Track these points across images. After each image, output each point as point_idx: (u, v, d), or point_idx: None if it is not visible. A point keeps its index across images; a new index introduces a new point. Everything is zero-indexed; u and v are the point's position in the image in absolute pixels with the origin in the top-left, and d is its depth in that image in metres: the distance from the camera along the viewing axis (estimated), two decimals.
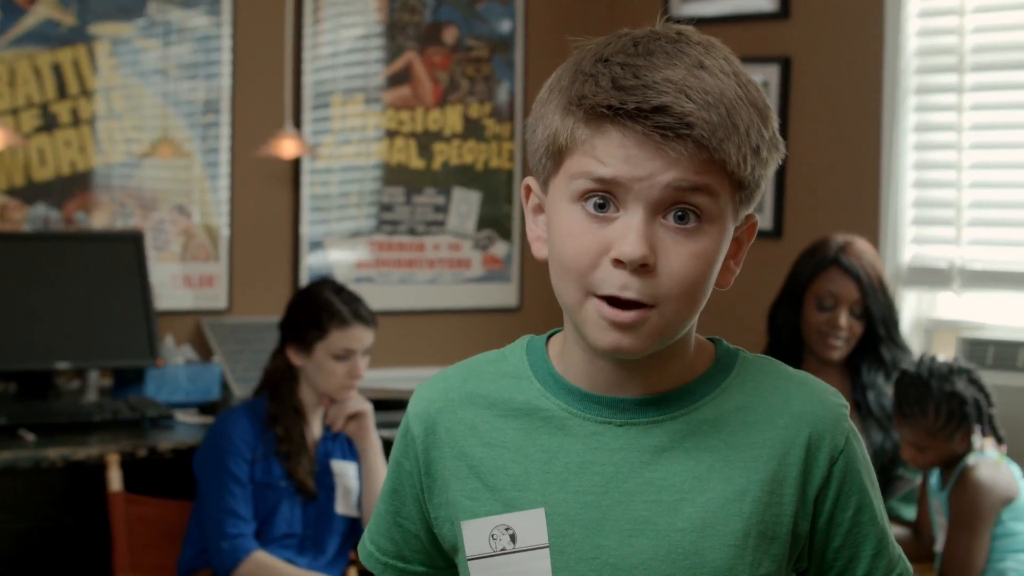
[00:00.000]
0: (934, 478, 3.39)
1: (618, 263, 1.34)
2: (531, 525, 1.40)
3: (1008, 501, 3.30)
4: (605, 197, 1.35)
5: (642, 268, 1.33)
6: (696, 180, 1.34)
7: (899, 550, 1.47)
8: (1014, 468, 3.38)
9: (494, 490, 1.42)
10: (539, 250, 1.44)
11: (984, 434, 3.33)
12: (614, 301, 1.35)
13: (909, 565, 1.47)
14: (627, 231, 1.34)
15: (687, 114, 1.32)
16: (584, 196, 1.36)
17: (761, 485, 1.39)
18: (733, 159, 1.34)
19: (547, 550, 1.39)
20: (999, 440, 3.38)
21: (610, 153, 1.34)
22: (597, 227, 1.35)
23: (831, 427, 1.42)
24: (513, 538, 1.41)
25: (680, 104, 1.32)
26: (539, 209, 1.45)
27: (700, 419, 1.41)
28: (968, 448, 3.31)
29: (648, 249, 1.33)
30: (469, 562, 1.43)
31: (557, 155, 1.38)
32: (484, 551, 1.42)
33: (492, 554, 1.41)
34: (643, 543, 1.38)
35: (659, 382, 1.42)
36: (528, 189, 1.46)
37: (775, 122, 1.40)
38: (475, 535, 1.42)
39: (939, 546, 3.33)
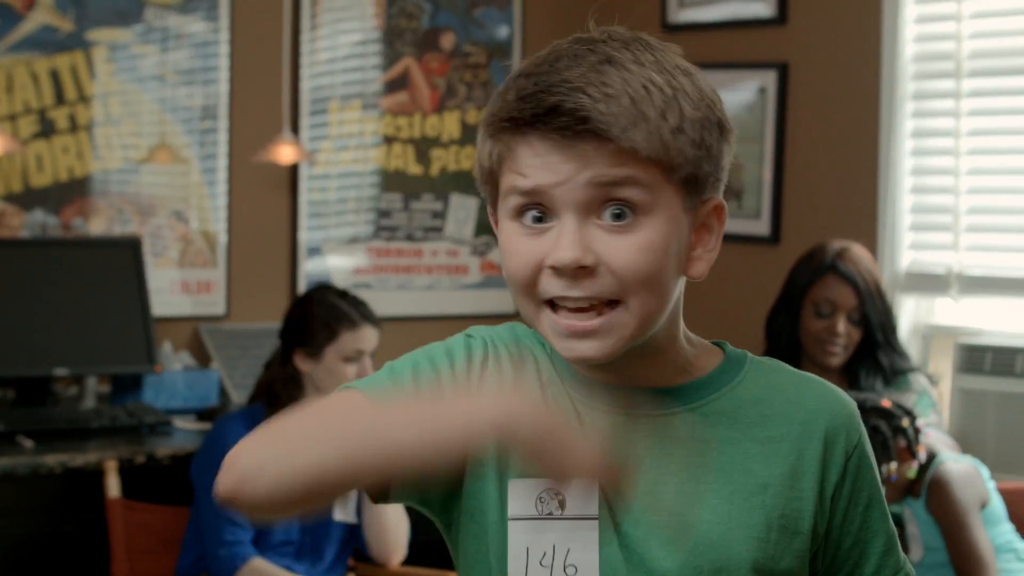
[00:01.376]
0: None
1: (555, 270, 1.34)
2: (583, 493, 1.37)
3: (983, 499, 3.31)
4: (541, 210, 1.35)
5: (581, 271, 1.33)
6: (614, 173, 1.33)
7: (904, 554, 1.48)
8: (982, 469, 3.38)
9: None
10: None
11: (895, 457, 3.29)
12: (570, 308, 1.34)
13: (913, 570, 1.48)
14: (560, 236, 1.33)
15: (579, 109, 1.31)
16: (519, 212, 1.36)
17: (781, 479, 1.39)
18: (644, 145, 1.32)
19: (596, 522, 1.37)
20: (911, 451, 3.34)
21: (528, 163, 1.34)
22: (533, 239, 1.35)
23: (846, 423, 1.43)
24: (562, 504, 1.37)
25: (572, 100, 1.32)
26: None
27: (718, 410, 1.41)
28: (884, 474, 3.29)
29: (581, 251, 1.32)
30: (510, 522, 1.38)
31: (490, 177, 1.39)
32: (529, 513, 1.37)
33: (537, 517, 1.37)
34: (670, 534, 1.38)
35: (660, 374, 1.41)
36: (495, 220, 1.45)
37: (713, 103, 1.37)
38: (522, 495, 1.38)
39: (914, 555, 3.33)
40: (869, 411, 3.25)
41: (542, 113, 1.32)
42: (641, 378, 1.41)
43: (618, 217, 1.34)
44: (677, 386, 1.41)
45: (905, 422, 3.27)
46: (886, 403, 3.28)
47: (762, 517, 1.38)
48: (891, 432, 3.25)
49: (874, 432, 3.23)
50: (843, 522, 1.43)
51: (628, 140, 1.32)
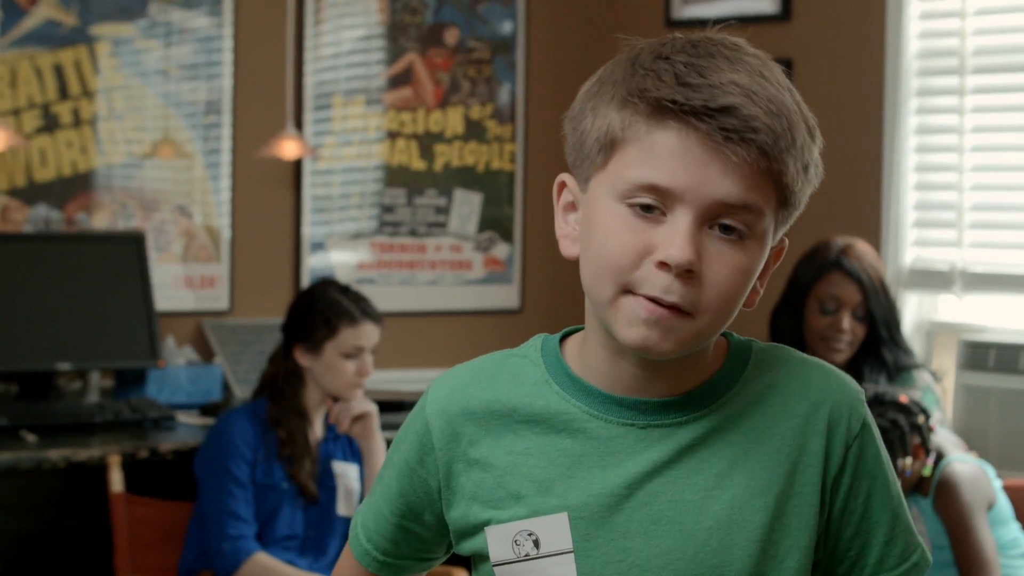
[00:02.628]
0: None
1: (663, 266, 1.31)
2: (554, 530, 1.38)
3: (989, 500, 3.31)
4: (654, 200, 1.33)
5: (687, 274, 1.31)
6: (747, 197, 1.32)
7: (918, 538, 1.46)
8: (988, 469, 3.38)
9: (518, 497, 1.40)
10: (568, 248, 1.42)
11: (911, 452, 3.28)
12: (654, 302, 1.33)
13: (928, 555, 1.46)
14: (675, 235, 1.31)
15: (753, 117, 1.30)
16: (631, 195, 1.33)
17: (784, 477, 1.39)
18: (790, 171, 1.32)
19: (571, 555, 1.38)
20: (927, 451, 3.34)
21: (667, 154, 1.31)
22: (643, 227, 1.33)
23: (847, 412, 1.41)
24: (536, 543, 1.39)
25: (747, 107, 1.30)
26: (571, 207, 1.42)
27: (722, 416, 1.40)
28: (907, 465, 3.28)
29: (695, 255, 1.31)
30: (494, 568, 1.41)
31: (609, 148, 1.35)
32: (508, 557, 1.40)
33: (516, 560, 1.40)
34: (669, 543, 1.37)
35: (680, 384, 1.40)
36: (562, 186, 1.43)
37: (820, 141, 1.38)
38: (499, 541, 1.40)
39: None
40: (888, 405, 3.25)
41: (714, 108, 1.30)
42: (656, 387, 1.40)
43: (727, 231, 1.33)
44: (683, 395, 1.40)
45: (921, 419, 3.27)
46: (904, 398, 3.28)
47: (764, 519, 1.38)
48: (909, 427, 3.26)
49: (893, 426, 3.23)
50: (843, 511, 1.41)
51: (780, 162, 1.32)
